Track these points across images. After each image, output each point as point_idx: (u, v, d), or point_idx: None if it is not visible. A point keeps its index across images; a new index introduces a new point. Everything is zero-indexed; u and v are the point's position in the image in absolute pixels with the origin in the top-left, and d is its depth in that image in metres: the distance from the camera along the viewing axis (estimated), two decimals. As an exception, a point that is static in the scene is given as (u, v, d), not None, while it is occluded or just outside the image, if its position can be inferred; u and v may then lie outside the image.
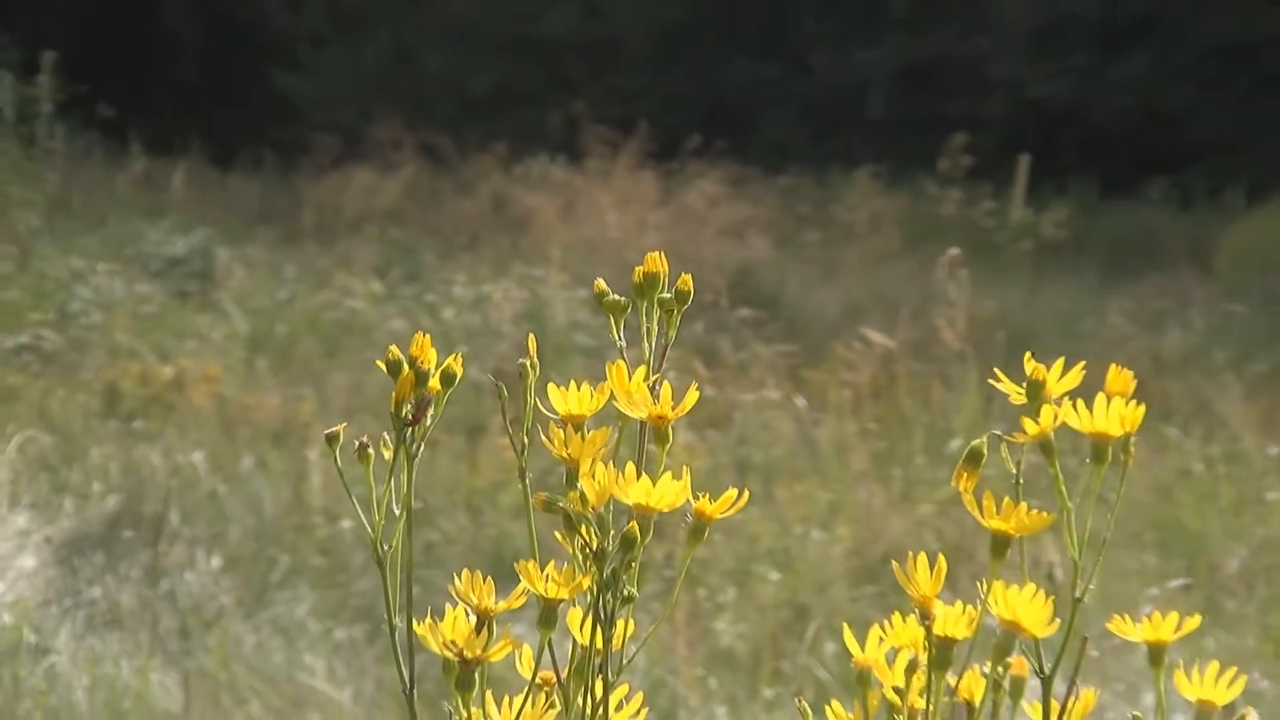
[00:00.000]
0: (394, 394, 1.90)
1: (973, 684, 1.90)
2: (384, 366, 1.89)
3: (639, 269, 1.86)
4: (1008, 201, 16.99)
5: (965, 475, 1.84)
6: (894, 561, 1.88)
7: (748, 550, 7.25)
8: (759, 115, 27.05)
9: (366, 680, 5.84)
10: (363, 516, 1.90)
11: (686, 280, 1.89)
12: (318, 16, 33.49)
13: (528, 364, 1.88)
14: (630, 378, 1.83)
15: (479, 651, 1.89)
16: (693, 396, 1.85)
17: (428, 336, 1.91)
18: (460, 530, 7.24)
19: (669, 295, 1.88)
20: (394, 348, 1.90)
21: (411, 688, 1.95)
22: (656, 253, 1.89)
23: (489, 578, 1.93)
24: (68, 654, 6.17)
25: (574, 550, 1.85)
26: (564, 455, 1.85)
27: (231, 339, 11.71)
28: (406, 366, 1.89)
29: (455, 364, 1.91)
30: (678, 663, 6.05)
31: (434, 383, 1.90)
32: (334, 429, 1.93)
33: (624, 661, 1.88)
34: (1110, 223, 21.89)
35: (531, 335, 2.04)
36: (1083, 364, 1.83)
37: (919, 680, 1.89)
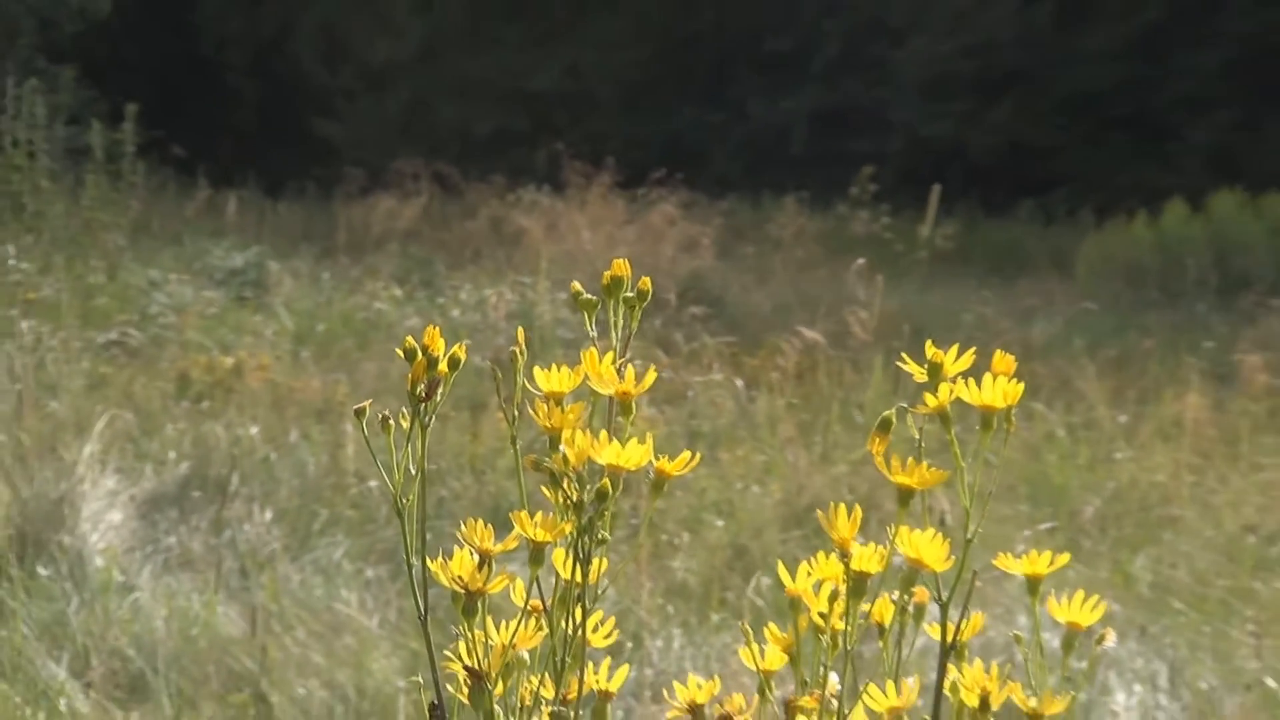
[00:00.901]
0: (410, 376, 1.89)
1: (883, 609, 1.88)
2: (402, 354, 1.89)
3: (607, 274, 1.87)
4: (906, 221, 17.03)
5: (878, 440, 1.84)
6: (818, 510, 1.87)
7: (697, 502, 7.23)
8: (705, 152, 27.06)
9: (391, 609, 5.81)
10: (385, 477, 1.88)
11: (646, 283, 1.89)
12: (350, 75, 33.55)
13: (517, 352, 1.88)
14: (600, 362, 1.83)
15: (480, 585, 1.88)
16: (651, 377, 1.85)
17: (437, 330, 1.91)
18: (466, 488, 7.23)
19: (631, 295, 1.87)
20: (410, 339, 1.90)
21: (425, 614, 1.93)
22: (622, 261, 1.89)
23: (489, 525, 1.91)
24: (148, 590, 6.14)
25: (557, 502, 1.84)
26: (547, 425, 1.84)
27: (280, 335, 11.68)
28: (420, 354, 1.89)
29: (460, 352, 1.90)
30: (642, 594, 6.03)
31: (442, 367, 1.90)
32: (361, 405, 1.93)
33: (599, 593, 1.86)
34: (988, 237, 21.95)
35: (521, 329, 2.04)
36: (973, 350, 1.82)
37: (839, 607, 1.87)
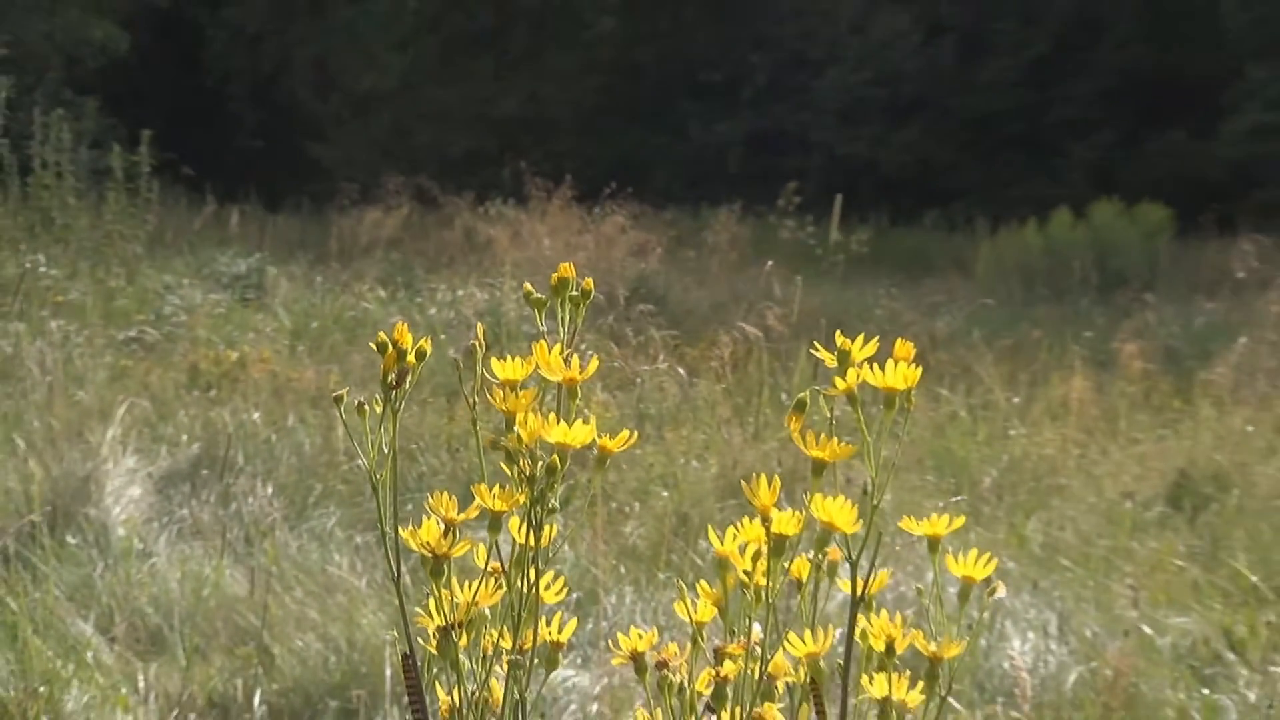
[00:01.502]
0: (382, 367, 1.88)
1: (800, 567, 1.88)
2: (375, 347, 1.88)
3: (555, 275, 1.86)
4: (826, 229, 17.05)
5: (794, 419, 1.84)
6: (743, 481, 1.86)
7: (646, 475, 7.22)
8: (651, 169, 27.03)
9: (377, 572, 5.80)
10: (361, 454, 1.87)
11: (589, 283, 1.89)
12: (338, 104, 33.55)
13: (476, 345, 1.87)
14: (550, 352, 1.82)
15: (445, 549, 1.87)
16: (594, 365, 1.84)
17: (405, 326, 1.90)
18: (442, 464, 7.22)
19: (576, 294, 1.87)
20: (382, 334, 1.89)
21: (398, 575, 1.92)
22: (569, 265, 1.89)
23: (461, 498, 1.91)
24: (164, 556, 6.12)
25: (513, 476, 1.83)
26: (503, 408, 1.83)
27: (279, 331, 11.65)
28: (390, 348, 1.88)
29: (425, 345, 1.90)
30: (598, 556, 6.02)
31: (410, 358, 1.89)
32: (339, 393, 1.93)
33: (551, 555, 1.86)
34: (897, 242, 21.98)
35: (482, 326, 2.04)
36: (876, 339, 1.82)
37: (762, 565, 1.86)
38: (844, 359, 1.83)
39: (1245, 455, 8.26)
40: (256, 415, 8.20)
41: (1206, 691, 5.07)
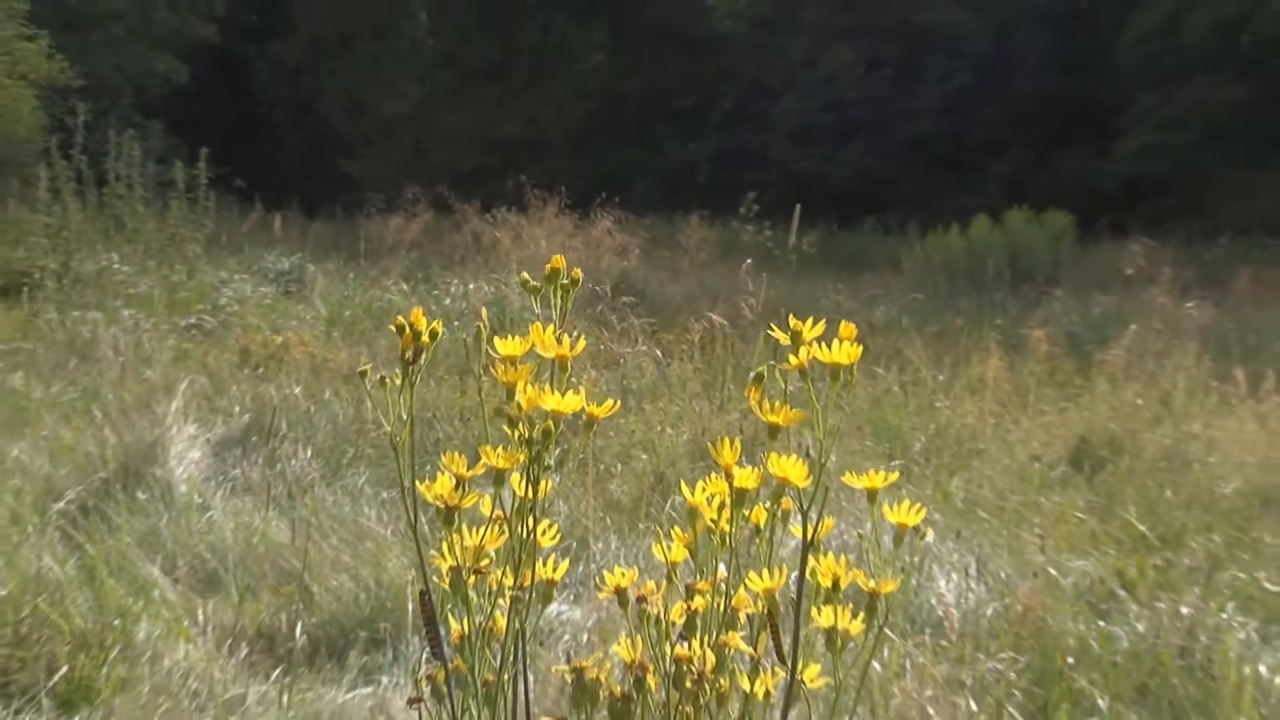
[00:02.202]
0: (401, 346, 1.88)
1: (759, 515, 1.88)
2: (395, 329, 1.88)
3: (548, 267, 1.87)
4: (782, 233, 17.07)
5: (754, 390, 1.84)
6: (710, 444, 1.86)
7: (628, 440, 7.22)
8: (632, 182, 27.05)
9: (401, 522, 5.79)
10: (385, 421, 1.87)
11: (577, 274, 1.92)
12: (366, 127, 33.59)
13: (481, 326, 1.87)
14: (545, 332, 1.83)
15: (456, 501, 1.87)
16: (582, 343, 1.86)
17: (420, 311, 1.90)
18: (455, 431, 7.20)
19: (566, 282, 1.87)
20: (400, 318, 1.89)
21: (416, 524, 1.91)
22: (560, 257, 1.89)
23: (471, 459, 1.90)
24: (220, 509, 6.11)
25: (514, 438, 1.83)
26: (505, 380, 1.83)
27: (316, 319, 11.63)
28: (407, 329, 1.88)
29: (437, 326, 1.90)
30: (587, 508, 6.01)
31: (424, 338, 1.88)
32: (364, 368, 1.93)
33: (546, 506, 1.86)
34: (841, 245, 22.01)
35: (485, 311, 2.04)
36: (824, 322, 1.82)
37: (726, 514, 1.86)
38: (796, 339, 1.84)
39: (1135, 424, 8.27)
40: (298, 390, 8.19)
41: (1102, 624, 5.07)
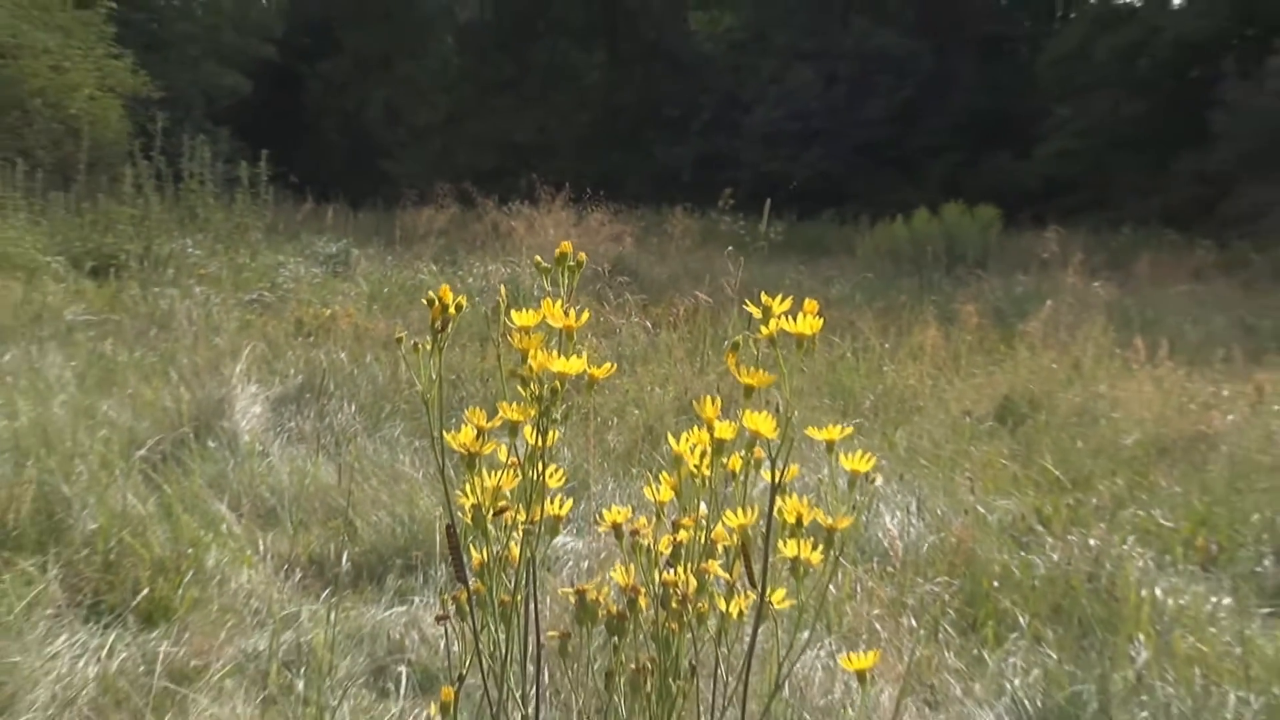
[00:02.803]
0: (431, 317, 1.86)
1: (734, 462, 1.86)
2: (426, 302, 1.87)
3: (557, 251, 1.85)
4: (754, 224, 17.08)
5: (731, 355, 1.83)
6: (693, 401, 1.85)
7: (622, 399, 7.20)
8: (626, 179, 27.00)
9: (430, 466, 5.78)
10: (417, 381, 1.86)
11: (582, 256, 1.89)
12: (403, 132, 33.62)
13: (500, 301, 1.86)
14: (554, 306, 1.82)
15: (477, 449, 1.86)
16: (585, 316, 1.84)
17: (448, 287, 1.89)
18: (476, 390, 7.18)
19: (572, 264, 1.86)
20: (430, 293, 1.87)
21: (443, 467, 1.90)
22: (569, 243, 1.88)
23: (489, 413, 1.89)
24: (277, 456, 6.10)
25: (526, 395, 1.81)
26: (520, 346, 1.82)
27: (359, 295, 11.60)
28: (436, 302, 1.87)
29: (462, 300, 1.88)
30: (588, 456, 6.00)
31: (451, 310, 1.87)
32: (399, 335, 1.92)
33: (553, 453, 1.84)
34: (804, 233, 21.98)
35: (504, 288, 2.03)
36: (790, 299, 1.81)
37: (706, 461, 1.85)
38: (767, 313, 1.82)
39: (1051, 385, 8.27)
40: (343, 355, 8.17)
41: (1023, 554, 5.07)
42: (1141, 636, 4.22)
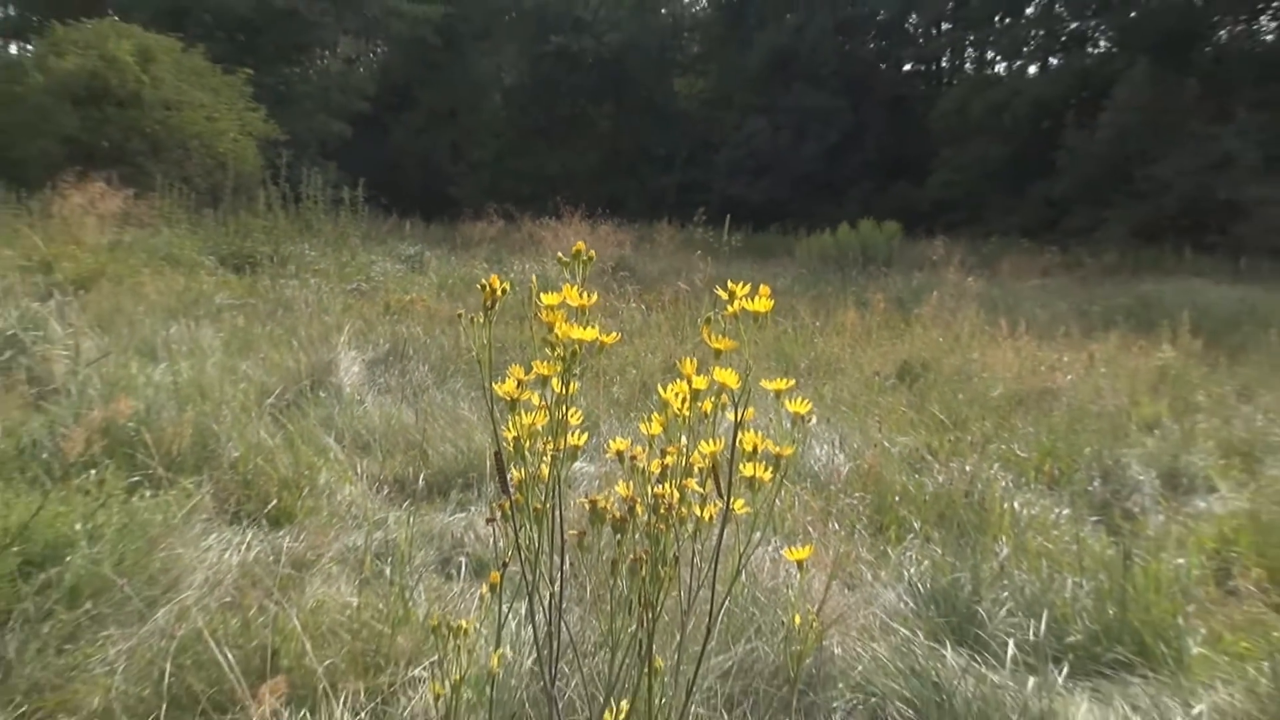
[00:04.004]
0: (484, 299, 1.85)
1: (707, 406, 1.85)
2: (480, 288, 1.85)
3: (574, 249, 1.83)
4: (720, 234, 17.04)
5: (705, 328, 1.82)
6: (676, 362, 1.83)
7: (623, 363, 7.18)
8: (626, 201, 26.99)
9: (483, 410, 5.76)
10: (473, 346, 1.85)
11: (592, 254, 1.87)
12: (463, 166, 33.52)
13: (532, 288, 1.85)
14: (572, 290, 1.80)
15: (517, 395, 1.84)
16: (595, 298, 1.82)
17: (496, 277, 1.87)
18: (518, 354, 7.16)
19: (585, 260, 1.84)
20: (483, 281, 1.85)
21: (492, 410, 1.89)
22: (583, 244, 1.86)
23: (522, 368, 1.88)
24: (370, 403, 6.08)
25: (553, 356, 1.80)
26: (547, 320, 1.80)
27: (430, 285, 11.56)
28: (487, 288, 1.85)
29: (507, 285, 1.87)
30: (598, 403, 5.99)
31: (499, 293, 1.85)
32: (460, 313, 1.90)
33: (573, 400, 1.83)
34: (757, 241, 21.94)
35: (534, 278, 2.02)
36: (748, 285, 1.80)
37: (686, 405, 1.84)
38: (732, 297, 1.81)
39: (937, 353, 8.27)
40: (419, 329, 8.16)
41: (917, 476, 5.07)
42: (1003, 537, 4.23)
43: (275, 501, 4.29)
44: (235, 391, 5.66)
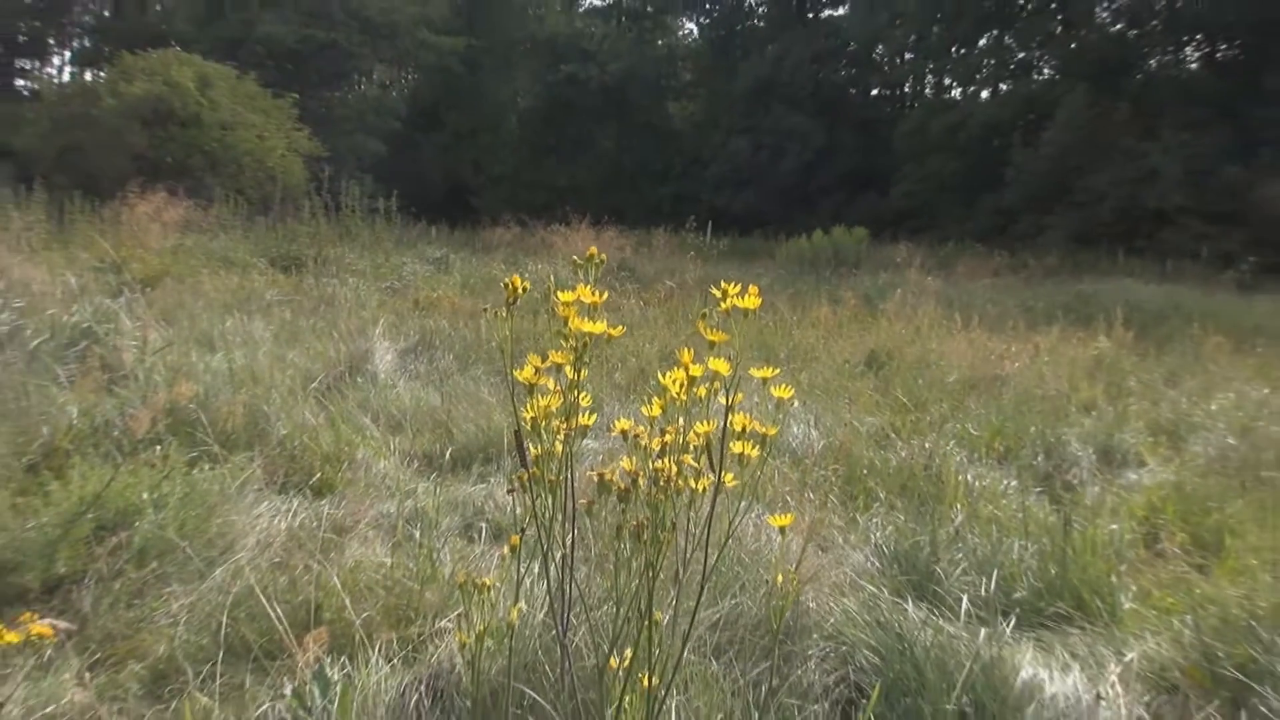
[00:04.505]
0: (506, 296, 1.83)
1: (701, 391, 1.84)
2: (503, 285, 1.84)
3: (587, 253, 1.81)
4: (709, 239, 17.01)
5: (700, 321, 1.81)
6: (674, 351, 1.82)
7: (625, 351, 7.16)
8: (627, 210, 26.82)
9: (503, 393, 5.74)
10: (495, 337, 1.84)
11: (603, 256, 1.85)
12: (483, 179, 33.48)
13: (549, 286, 1.83)
14: (583, 290, 1.79)
15: (534, 380, 1.83)
16: (605, 296, 1.80)
17: (517, 276, 1.85)
18: (534, 344, 7.16)
19: (597, 261, 1.83)
20: (504, 280, 1.83)
21: (512, 393, 1.88)
22: (594, 249, 1.84)
23: (538, 356, 1.86)
24: (402, 387, 6.07)
25: (566, 346, 1.79)
26: (561, 314, 1.79)
27: (455, 284, 11.51)
28: (509, 286, 1.83)
29: (525, 284, 1.85)
30: (602, 387, 5.98)
31: (520, 290, 1.84)
32: (484, 308, 1.90)
33: (582, 384, 1.81)
34: (743, 246, 21.82)
35: (552, 278, 2.00)
36: (738, 284, 1.78)
37: (683, 390, 1.83)
38: (725, 294, 1.79)
39: (900, 344, 8.25)
40: (444, 322, 8.12)
41: (882, 451, 5.06)
42: (958, 506, 4.22)
43: (318, 474, 4.28)
44: (283, 377, 5.63)
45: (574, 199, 25.22)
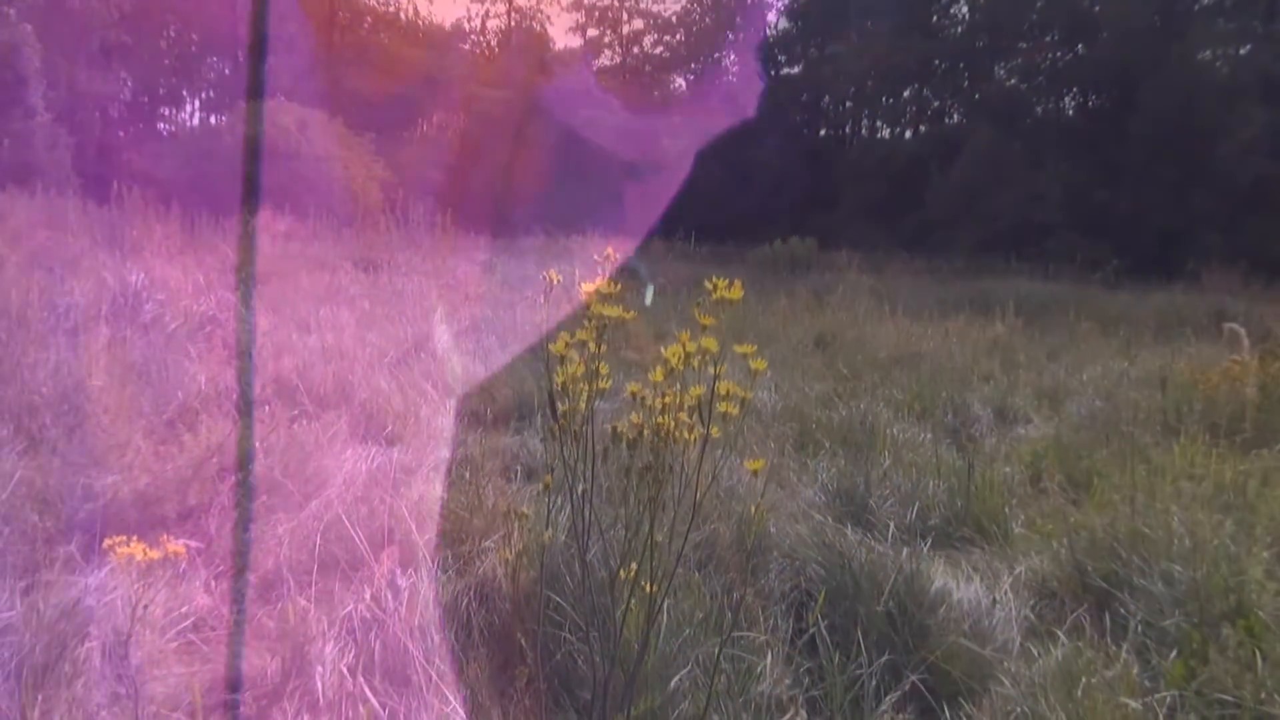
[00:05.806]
0: (546, 285, 1.81)
1: (695, 362, 1.82)
2: (544, 278, 1.81)
3: (606, 253, 1.78)
4: (693, 247, 16.91)
5: (698, 308, 1.78)
6: (674, 332, 1.79)
7: (627, 332, 7.11)
8: (625, 223, 26.66)
9: (533, 366, 5.68)
10: (532, 321, 1.81)
11: (617, 255, 1.81)
12: (518, 198, 32.97)
13: (577, 282, 1.80)
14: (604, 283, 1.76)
15: (563, 352, 1.80)
16: (619, 287, 1.77)
17: (554, 273, 1.82)
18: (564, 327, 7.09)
19: (613, 259, 1.79)
20: (542, 274, 1.80)
21: (548, 362, 1.86)
22: (611, 249, 1.81)
23: (568, 334, 1.84)
24: (455, 361, 5.96)
25: (589, 326, 1.77)
26: (585, 300, 1.77)
27: (496, 282, 11.35)
28: (547, 279, 1.80)
29: (559, 277, 1.82)
30: (614, 361, 5.92)
31: (554, 281, 1.81)
32: (528, 295, 1.86)
33: (602, 356, 1.79)
34: (719, 252, 21.66)
35: (577, 272, 1.97)
36: (726, 281, 1.76)
37: (680, 362, 1.80)
38: (715, 285, 1.77)
39: (844, 328, 8.22)
40: (489, 311, 8.01)
41: (828, 411, 5.05)
42: (886, 453, 4.20)
43: (390, 428, 4.26)
44: (363, 353, 5.60)
45: (588, 214, 25.03)
